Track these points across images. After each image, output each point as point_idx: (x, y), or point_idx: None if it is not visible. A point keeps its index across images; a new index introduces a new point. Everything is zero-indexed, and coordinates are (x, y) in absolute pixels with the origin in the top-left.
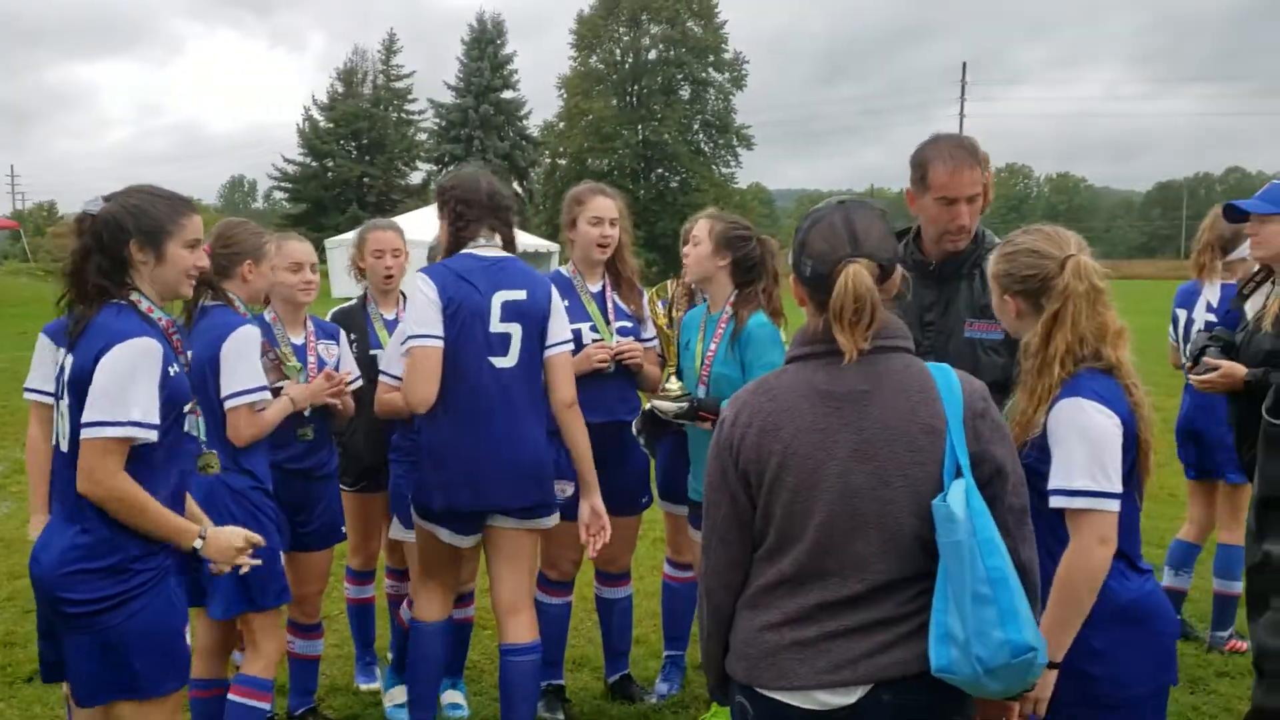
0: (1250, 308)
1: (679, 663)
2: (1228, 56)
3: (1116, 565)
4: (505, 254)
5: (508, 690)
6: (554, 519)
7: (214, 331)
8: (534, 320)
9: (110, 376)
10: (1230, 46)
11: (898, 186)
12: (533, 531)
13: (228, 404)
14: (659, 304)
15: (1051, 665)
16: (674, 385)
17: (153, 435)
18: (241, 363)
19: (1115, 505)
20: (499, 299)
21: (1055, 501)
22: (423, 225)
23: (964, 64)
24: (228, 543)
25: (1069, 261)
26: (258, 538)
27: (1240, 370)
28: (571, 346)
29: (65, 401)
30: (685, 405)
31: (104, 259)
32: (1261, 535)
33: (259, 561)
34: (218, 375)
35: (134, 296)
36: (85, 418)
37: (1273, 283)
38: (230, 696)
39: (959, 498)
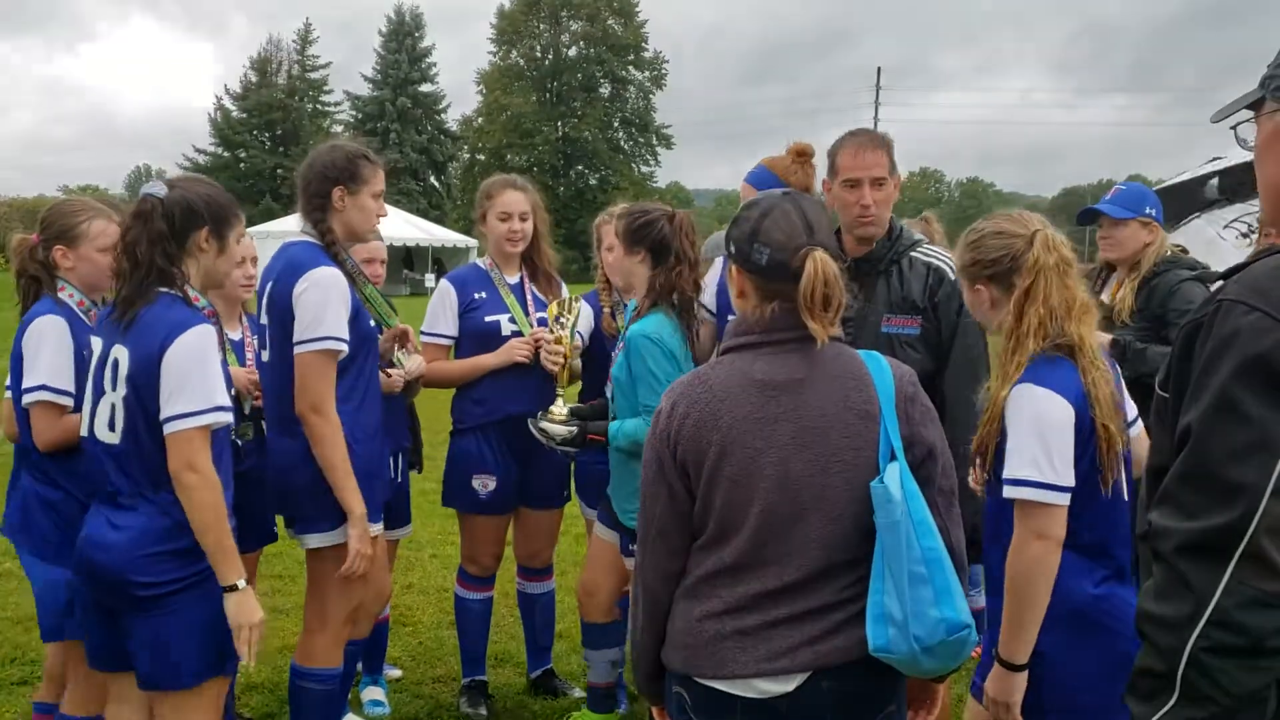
0: (1105, 300)
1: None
2: (1145, 68)
3: (1076, 563)
4: (287, 239)
5: None
6: (319, 537)
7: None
8: (279, 313)
9: (191, 365)
10: (1148, 58)
11: (817, 188)
12: (315, 550)
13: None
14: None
15: (1013, 667)
16: (559, 409)
17: (231, 418)
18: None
19: (1059, 498)
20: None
21: (1004, 491)
22: None
23: (879, 69)
24: (253, 609)
25: (1037, 235)
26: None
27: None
28: (327, 345)
29: (119, 393)
30: (574, 431)
31: (170, 244)
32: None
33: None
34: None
35: (183, 286)
36: (176, 409)
37: (1116, 278)
38: None
39: (895, 479)
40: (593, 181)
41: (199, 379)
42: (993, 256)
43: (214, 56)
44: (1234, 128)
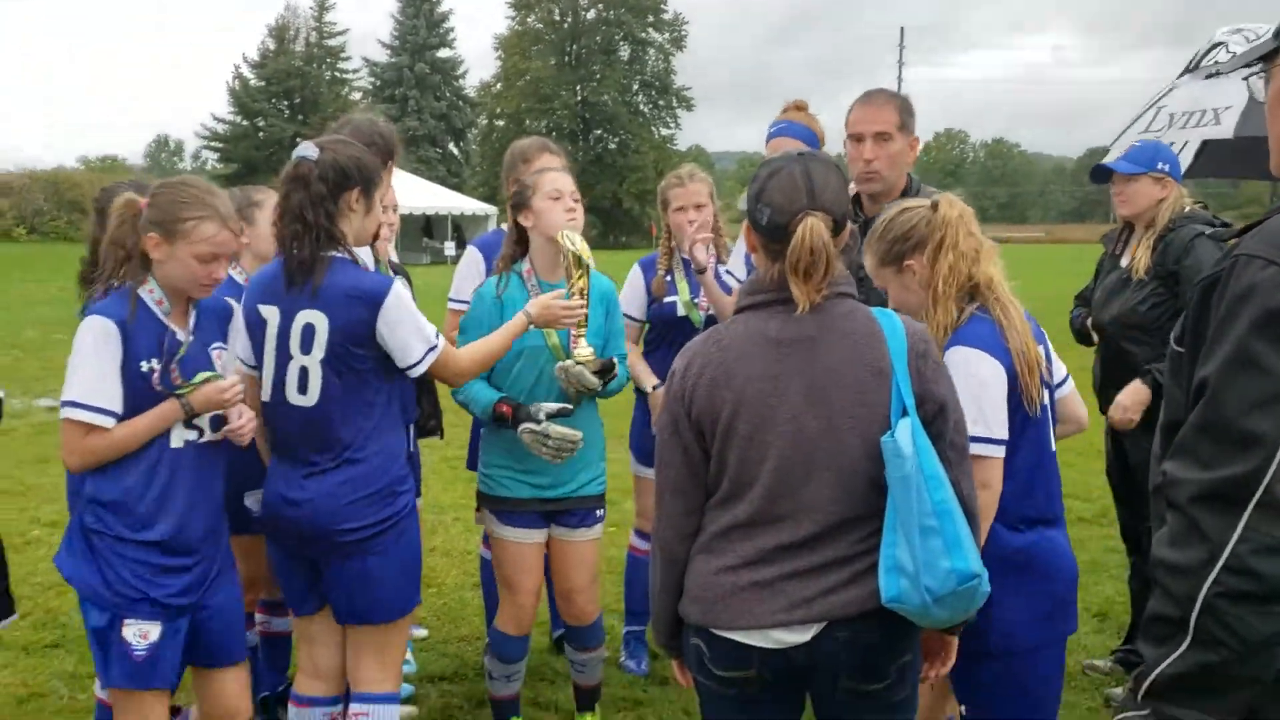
0: (1125, 262)
1: (642, 638)
2: (1178, 23)
3: (1011, 513)
4: None
5: None
6: None
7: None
8: None
9: (408, 315)
10: (1182, 12)
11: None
12: None
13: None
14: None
15: None
16: (586, 350)
17: None
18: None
19: (994, 450)
20: None
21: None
22: None
23: (901, 29)
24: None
25: (938, 200)
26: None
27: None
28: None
29: (314, 356)
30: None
31: (331, 204)
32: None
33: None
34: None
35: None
36: (414, 357)
37: (1135, 239)
38: None
39: (906, 434)
40: (612, 146)
41: (415, 321)
42: (908, 229)
43: (232, 24)
44: (1246, 79)
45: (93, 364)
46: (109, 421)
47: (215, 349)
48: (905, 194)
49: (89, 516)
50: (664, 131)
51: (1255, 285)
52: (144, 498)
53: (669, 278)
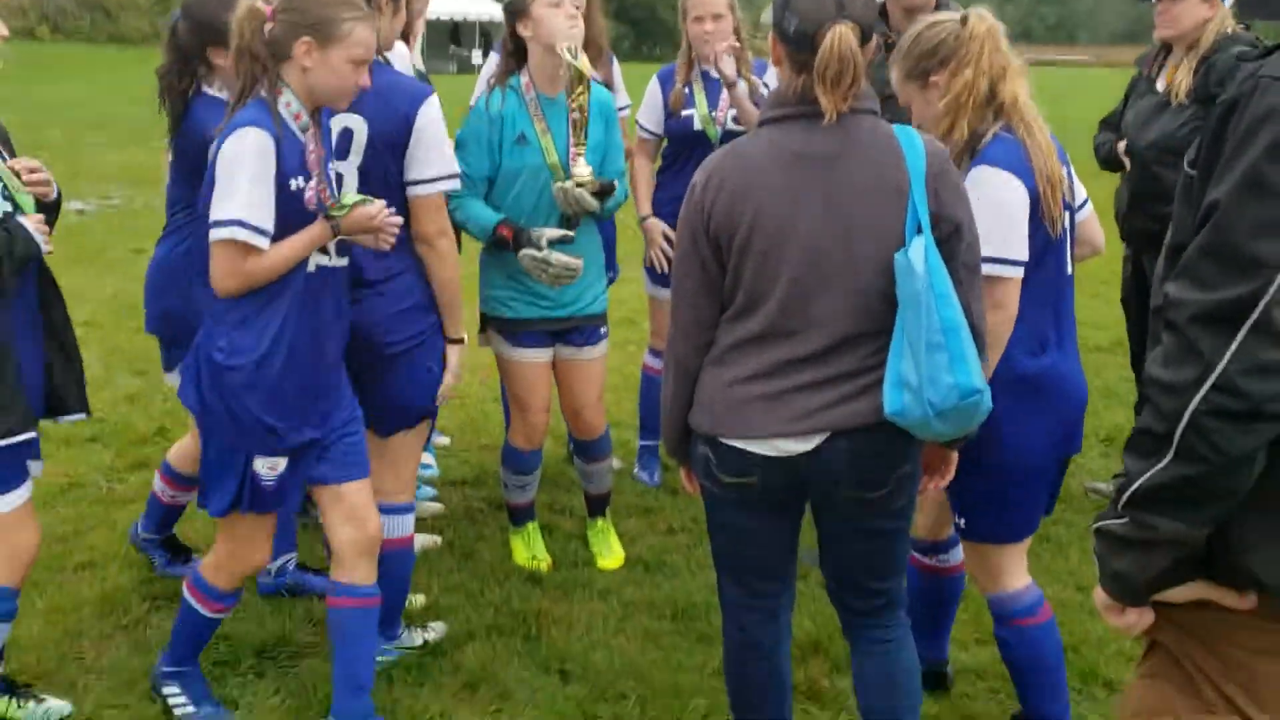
0: (1161, 86)
1: (655, 452)
2: None
3: (1027, 336)
4: None
5: None
6: None
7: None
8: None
9: (438, 130)
10: None
11: None
12: None
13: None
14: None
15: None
16: (585, 169)
17: None
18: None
19: (1012, 271)
20: None
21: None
22: None
23: None
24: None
25: (966, 14)
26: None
27: None
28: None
29: (351, 162)
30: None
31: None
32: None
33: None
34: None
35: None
36: (428, 173)
37: (1173, 60)
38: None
39: (919, 252)
40: None
41: (444, 145)
42: (935, 44)
43: None
44: None
45: (251, 180)
46: (266, 243)
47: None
48: (939, 8)
49: (218, 347)
50: None
51: (1275, 109)
52: (277, 326)
53: (687, 89)
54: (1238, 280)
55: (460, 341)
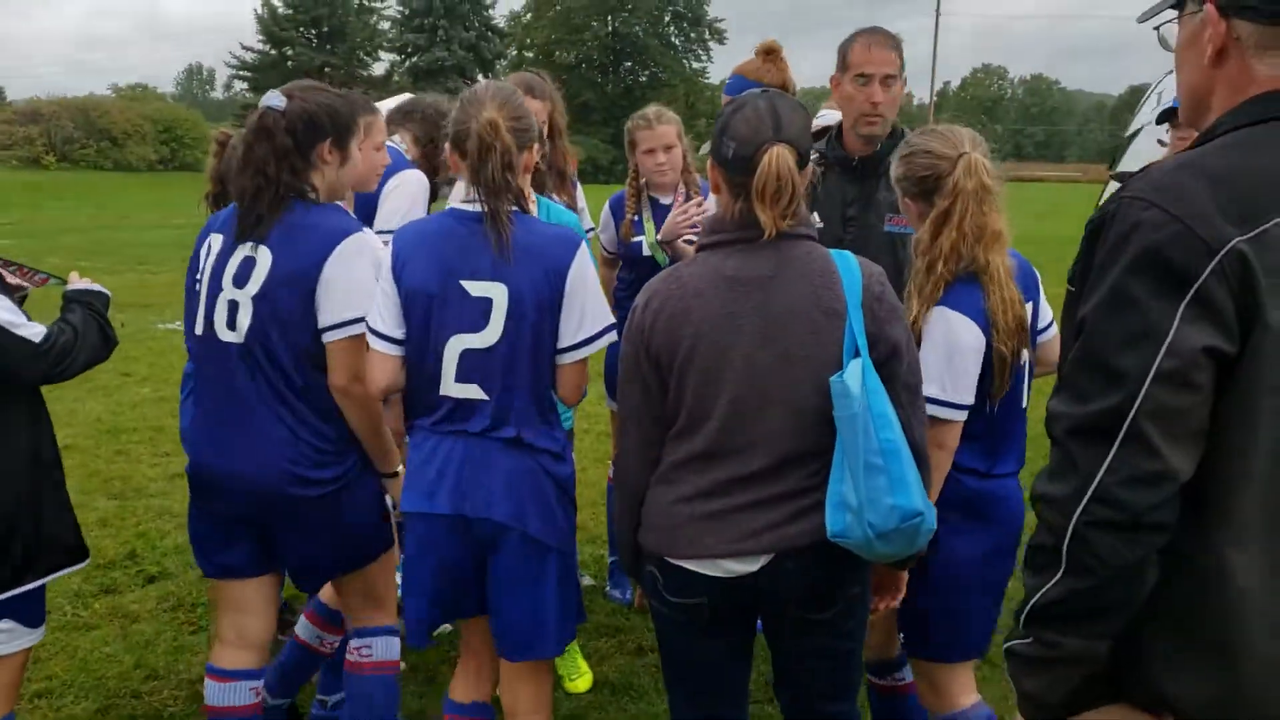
0: None
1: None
2: None
3: (974, 461)
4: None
5: None
6: None
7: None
8: None
9: (356, 272)
10: None
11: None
12: None
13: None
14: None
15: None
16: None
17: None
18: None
19: (955, 415)
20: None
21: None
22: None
23: None
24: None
25: (961, 159)
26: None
27: None
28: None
29: (247, 292)
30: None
31: (297, 159)
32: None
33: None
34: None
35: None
36: (339, 317)
37: None
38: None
39: (855, 375)
40: (642, 78)
41: (362, 287)
42: (920, 174)
43: None
44: (1157, 29)
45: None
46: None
47: None
48: (893, 135)
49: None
50: (695, 64)
51: (1136, 225)
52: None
53: (636, 219)
54: (1107, 392)
55: (394, 475)
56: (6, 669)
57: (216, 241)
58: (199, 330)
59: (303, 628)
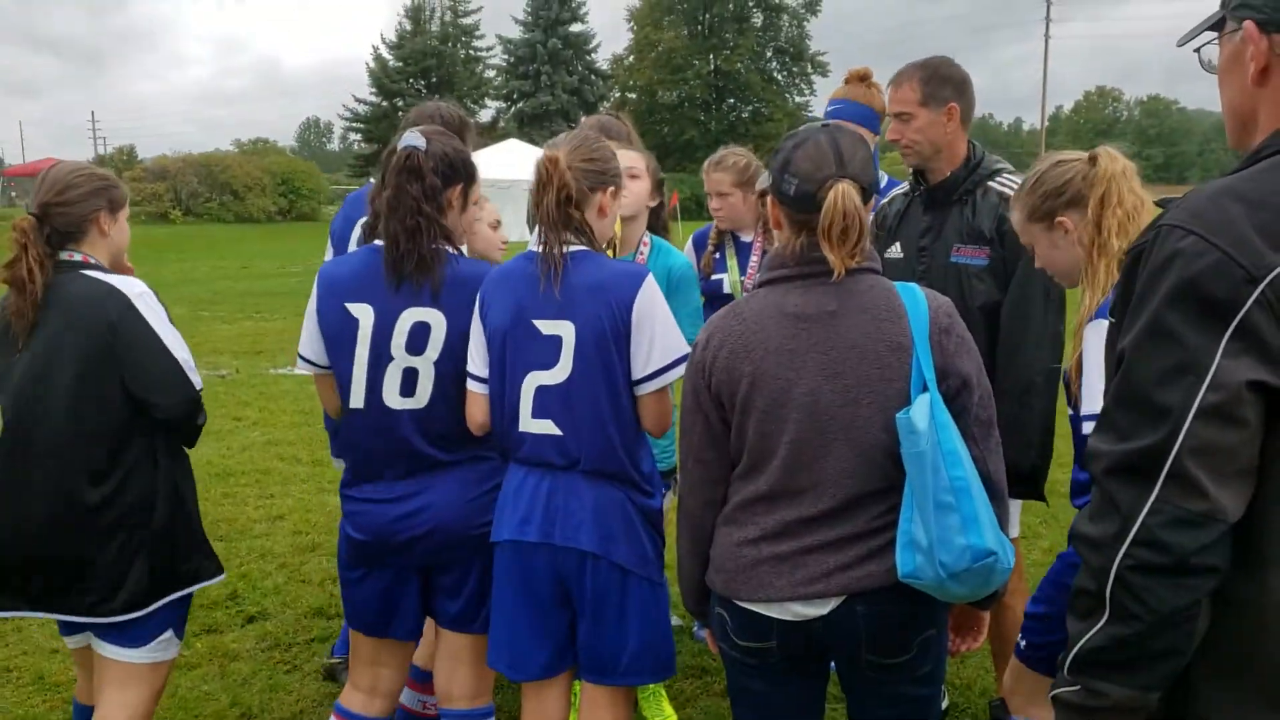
0: None
1: None
2: None
3: None
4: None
5: None
6: None
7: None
8: None
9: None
10: None
11: (993, 111)
12: None
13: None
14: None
15: None
16: None
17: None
18: None
19: None
20: None
21: (1084, 427)
22: (494, 163)
23: None
24: None
25: (1097, 153)
26: None
27: None
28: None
29: (427, 357)
30: None
31: (439, 199)
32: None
33: None
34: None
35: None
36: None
37: None
38: None
39: (922, 411)
40: (745, 114)
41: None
42: (1063, 183)
43: (370, 6)
44: (1197, 50)
45: None
46: None
47: None
48: (968, 162)
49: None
50: (798, 99)
51: (1174, 255)
52: None
53: (718, 255)
54: (1148, 429)
55: None
56: (161, 675)
57: (366, 314)
58: (357, 403)
59: (405, 695)
